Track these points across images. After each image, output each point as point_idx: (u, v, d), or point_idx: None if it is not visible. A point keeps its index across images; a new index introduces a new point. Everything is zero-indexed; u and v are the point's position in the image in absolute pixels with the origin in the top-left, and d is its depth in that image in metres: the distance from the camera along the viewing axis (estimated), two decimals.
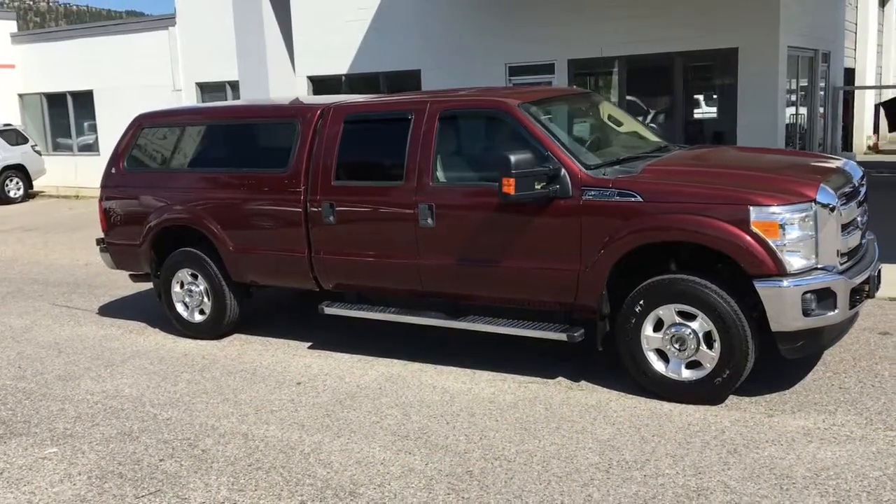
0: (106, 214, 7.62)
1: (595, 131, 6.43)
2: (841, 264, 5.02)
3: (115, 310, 8.55)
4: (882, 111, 19.65)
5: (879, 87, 22.81)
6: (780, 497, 3.94)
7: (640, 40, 13.34)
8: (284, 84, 10.37)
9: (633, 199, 5.13)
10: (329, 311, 6.52)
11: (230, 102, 8.45)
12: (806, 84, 14.95)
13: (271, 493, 4.29)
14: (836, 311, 4.88)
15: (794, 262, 4.81)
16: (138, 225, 7.35)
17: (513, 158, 5.16)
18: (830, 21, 16.73)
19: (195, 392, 5.91)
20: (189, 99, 18.43)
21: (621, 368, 5.55)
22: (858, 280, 5.04)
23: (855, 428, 4.67)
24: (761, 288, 4.81)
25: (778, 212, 4.80)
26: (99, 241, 7.88)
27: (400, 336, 6.83)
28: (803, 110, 14.99)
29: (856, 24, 20.31)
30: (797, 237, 4.81)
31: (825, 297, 4.84)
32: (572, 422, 4.98)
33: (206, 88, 18.49)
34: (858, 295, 5.05)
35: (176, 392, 5.93)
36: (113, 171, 7.58)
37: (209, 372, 6.34)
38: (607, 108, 6.75)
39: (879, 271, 5.43)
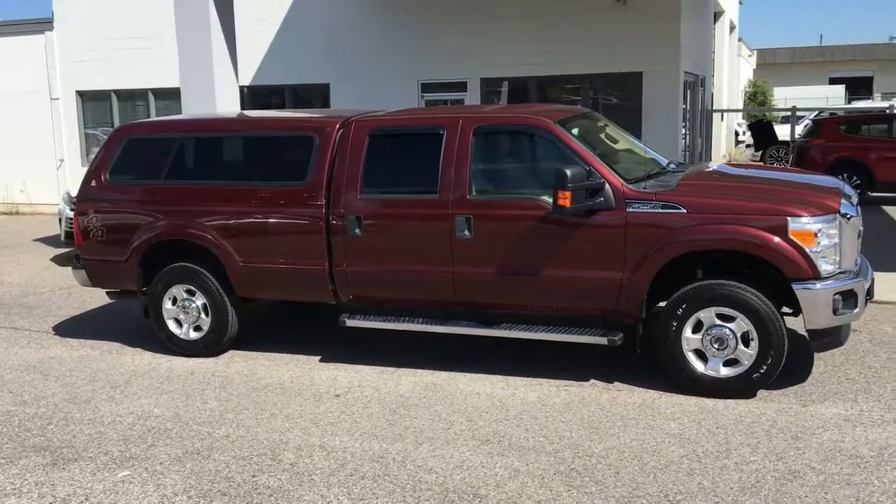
0: (83, 229, 7.23)
1: (607, 148, 6.83)
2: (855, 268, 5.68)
3: (74, 330, 8.09)
4: (749, 132, 21.48)
5: (745, 111, 24.90)
6: (864, 473, 4.45)
7: (551, 62, 14.02)
8: (229, 93, 10.17)
9: (677, 212, 5.56)
10: (351, 323, 6.54)
11: (236, 114, 8.19)
12: (689, 107, 16.18)
13: (395, 499, 4.35)
14: (857, 309, 5.53)
15: (825, 266, 5.40)
16: (123, 240, 7.05)
17: (569, 173, 5.46)
18: (704, 48, 18.19)
19: (234, 409, 5.78)
20: (69, 108, 17.45)
21: (646, 368, 6.00)
22: (868, 283, 5.71)
23: (882, 413, 5.29)
24: (799, 290, 5.37)
25: (811, 222, 5.37)
26: (72, 258, 7.47)
27: (405, 345, 6.94)
28: (688, 130, 16.20)
29: (713, 52, 22.08)
30: (827, 244, 5.40)
31: (849, 297, 5.46)
32: (634, 419, 5.33)
33: (87, 97, 17.55)
34: (868, 296, 5.72)
35: (213, 410, 5.78)
36: (93, 183, 7.22)
37: (232, 389, 6.21)
38: (606, 127, 7.19)
39: (874, 276, 6.14)
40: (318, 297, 6.70)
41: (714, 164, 7.14)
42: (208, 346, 6.99)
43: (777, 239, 5.36)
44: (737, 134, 29.55)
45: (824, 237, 5.39)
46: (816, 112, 22.68)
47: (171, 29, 15.97)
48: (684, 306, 5.62)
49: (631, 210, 5.66)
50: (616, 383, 6.00)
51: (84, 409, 5.88)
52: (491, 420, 5.40)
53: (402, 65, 14.91)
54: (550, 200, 5.79)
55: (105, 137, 8.13)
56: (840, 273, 5.49)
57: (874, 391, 5.68)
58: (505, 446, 4.98)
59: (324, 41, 15.44)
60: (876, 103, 37.95)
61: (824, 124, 15.83)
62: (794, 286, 5.38)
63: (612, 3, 13.55)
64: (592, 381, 6.07)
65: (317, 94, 15.71)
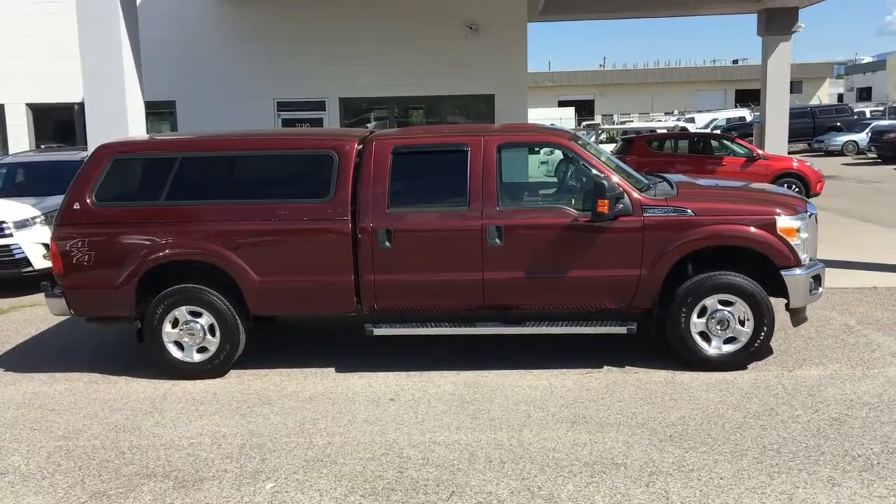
0: (64, 255, 6.84)
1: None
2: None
3: (25, 365, 7.55)
4: None
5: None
6: (886, 414, 5.61)
7: (410, 84, 14.75)
8: (138, 110, 9.82)
9: (686, 215, 6.53)
10: (378, 332, 6.83)
11: (240, 133, 7.82)
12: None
13: (552, 474, 4.83)
14: (821, 290, 6.82)
15: (802, 256, 6.62)
16: (116, 265, 6.79)
17: (606, 183, 6.25)
18: None
19: (305, 420, 5.89)
20: None
21: (641, 351, 6.98)
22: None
23: (851, 371, 6.58)
24: (787, 276, 6.54)
25: (793, 220, 6.57)
26: (48, 285, 7.02)
27: (408, 351, 7.34)
28: None
29: None
30: (804, 238, 6.62)
31: (817, 280, 6.73)
32: (674, 395, 6.18)
33: None
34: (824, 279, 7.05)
35: (284, 424, 5.84)
36: (76, 206, 6.86)
37: (279, 404, 6.26)
38: (589, 145, 8.00)
39: None
40: (340, 310, 6.89)
41: (683, 177, 8.24)
42: (217, 367, 6.91)
43: (770, 234, 6.50)
44: None
45: (802, 232, 6.61)
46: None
47: None
48: (693, 295, 6.59)
49: (647, 215, 6.54)
50: (627, 367, 6.84)
51: (144, 436, 5.70)
52: (559, 406, 6.00)
53: (256, 83, 14.90)
54: (573, 209, 6.57)
55: None
56: (810, 261, 6.75)
57: (830, 356, 6.99)
58: (594, 425, 5.62)
59: (167, 57, 14.96)
60: (606, 124, 42.70)
61: (636, 141, 17.96)
62: (783, 272, 6.54)
63: (466, 31, 14.55)
64: (606, 367, 6.86)
65: (161, 112, 15.18)
